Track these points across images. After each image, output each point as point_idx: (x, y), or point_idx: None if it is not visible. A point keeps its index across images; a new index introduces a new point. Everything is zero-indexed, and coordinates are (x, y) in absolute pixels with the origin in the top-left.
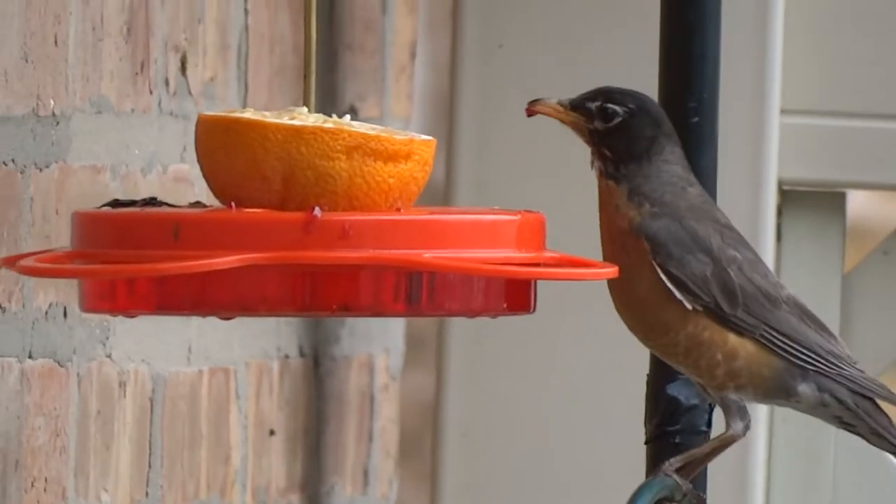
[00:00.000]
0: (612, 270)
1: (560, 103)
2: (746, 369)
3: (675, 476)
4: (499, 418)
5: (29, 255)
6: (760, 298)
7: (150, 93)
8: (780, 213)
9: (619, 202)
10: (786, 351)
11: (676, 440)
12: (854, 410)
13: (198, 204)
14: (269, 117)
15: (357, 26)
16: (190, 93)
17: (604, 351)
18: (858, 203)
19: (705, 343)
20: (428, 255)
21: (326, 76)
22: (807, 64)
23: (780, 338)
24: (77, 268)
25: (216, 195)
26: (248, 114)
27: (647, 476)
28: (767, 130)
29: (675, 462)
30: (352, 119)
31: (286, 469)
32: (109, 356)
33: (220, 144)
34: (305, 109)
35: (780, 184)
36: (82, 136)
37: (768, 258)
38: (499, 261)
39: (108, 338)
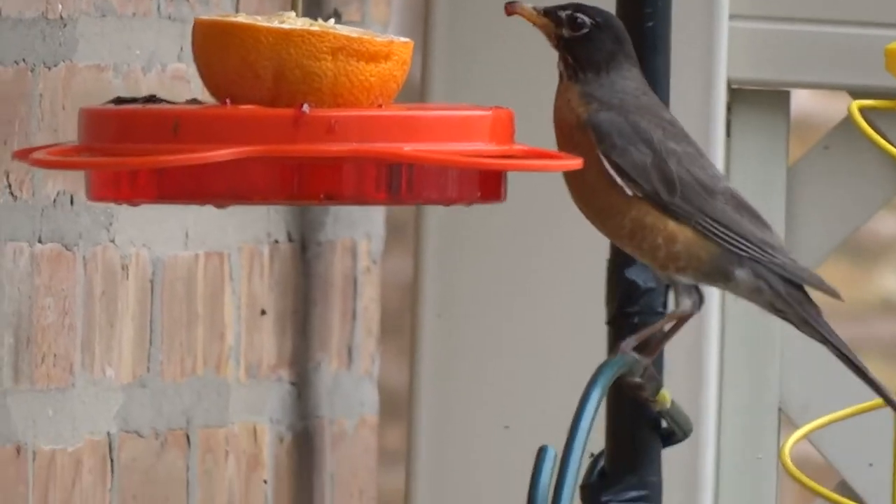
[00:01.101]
0: (576, 162)
1: (535, 8)
2: (685, 252)
3: (633, 353)
4: (472, 299)
5: (40, 148)
6: (697, 188)
7: None
8: (729, 110)
9: (571, 98)
10: (720, 237)
11: (635, 321)
12: (785, 298)
13: (194, 101)
14: (261, 21)
15: None
16: None
17: (567, 237)
18: (802, 101)
19: (647, 227)
20: (408, 147)
21: None
22: None
23: (715, 225)
24: (85, 160)
25: (211, 93)
26: (241, 18)
27: (608, 355)
28: (717, 34)
29: (631, 341)
30: (336, 23)
31: (276, 346)
32: (113, 241)
33: (216, 46)
34: (293, 14)
35: (730, 83)
36: (88, 38)
37: (718, 152)
38: (473, 153)
39: (111, 224)
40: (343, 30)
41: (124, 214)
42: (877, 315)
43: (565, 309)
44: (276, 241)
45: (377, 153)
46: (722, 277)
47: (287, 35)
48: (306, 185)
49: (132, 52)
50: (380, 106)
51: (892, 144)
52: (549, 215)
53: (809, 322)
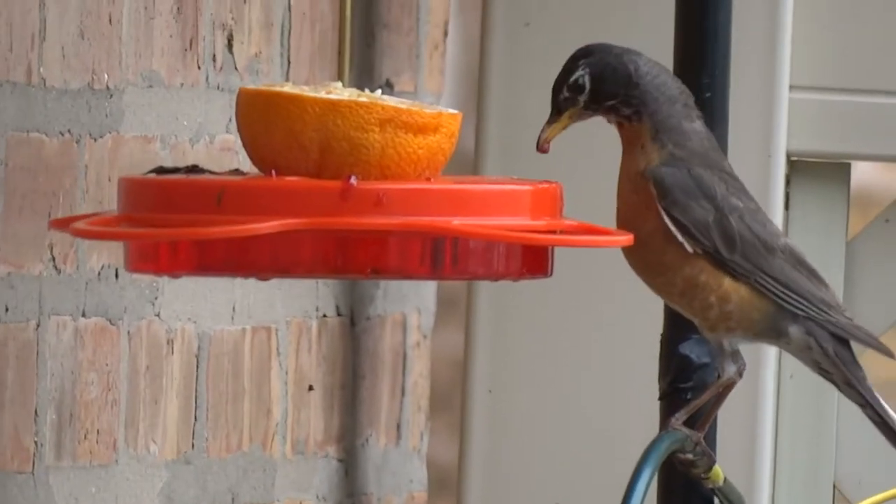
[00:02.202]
0: (626, 238)
1: (548, 123)
2: (737, 312)
3: (684, 428)
4: (523, 375)
5: (80, 217)
6: (757, 245)
7: (199, 68)
8: (788, 182)
9: (644, 142)
10: (777, 296)
11: (688, 396)
12: (832, 358)
13: (237, 171)
14: (307, 91)
15: (393, 6)
16: (236, 68)
17: (621, 312)
18: (862, 173)
19: (700, 286)
20: (456, 221)
21: (364, 53)
22: (815, 42)
23: (773, 283)
24: (127, 231)
25: (255, 164)
26: (287, 88)
27: (659, 431)
28: (777, 105)
29: (680, 416)
30: (385, 94)
31: (324, 422)
32: (158, 315)
33: (260, 116)
34: (340, 84)
35: (789, 155)
36: (134, 108)
37: (777, 225)
38: (520, 228)
39: (156, 298)
40: (391, 101)
41: (170, 288)
42: None
43: (617, 384)
44: (325, 316)
45: (425, 227)
46: (774, 335)
47: (334, 106)
48: (350, 258)
49: (179, 123)
50: (428, 179)
51: None
52: (601, 289)
53: (853, 384)
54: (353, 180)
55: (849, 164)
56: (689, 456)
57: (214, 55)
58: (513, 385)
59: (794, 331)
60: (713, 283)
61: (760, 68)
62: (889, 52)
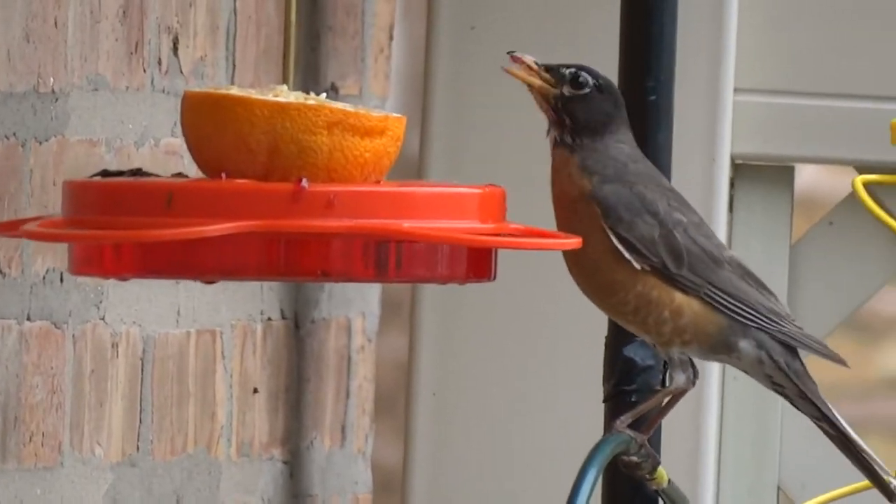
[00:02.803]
0: (575, 241)
1: (535, 62)
2: (692, 326)
3: (629, 431)
4: (467, 378)
5: (29, 220)
6: (704, 259)
7: (144, 71)
8: (732, 185)
9: (571, 171)
10: (728, 308)
11: (633, 399)
12: (784, 370)
13: (180, 175)
14: (254, 94)
15: (339, 10)
16: (181, 71)
17: (565, 315)
18: (807, 177)
19: (653, 302)
20: (407, 224)
21: (309, 57)
22: (759, 45)
23: (723, 296)
24: (85, 233)
25: (201, 167)
26: (235, 91)
27: (604, 433)
28: (722, 108)
29: (626, 418)
30: (330, 97)
31: (269, 425)
32: (103, 319)
33: (208, 119)
34: (286, 87)
35: (734, 158)
36: (80, 112)
37: (721, 228)
38: (469, 231)
39: (101, 301)
40: (337, 104)
41: (114, 292)
42: (881, 393)
43: (561, 387)
44: (270, 319)
45: (377, 230)
46: (726, 350)
47: (283, 108)
48: (297, 261)
49: (125, 127)
50: (377, 182)
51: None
52: (545, 293)
53: (807, 396)
54: (304, 183)
55: (793, 168)
56: (634, 458)
57: (160, 59)
58: (457, 388)
59: (745, 345)
60: (666, 298)
61: (705, 71)
62: (833, 55)
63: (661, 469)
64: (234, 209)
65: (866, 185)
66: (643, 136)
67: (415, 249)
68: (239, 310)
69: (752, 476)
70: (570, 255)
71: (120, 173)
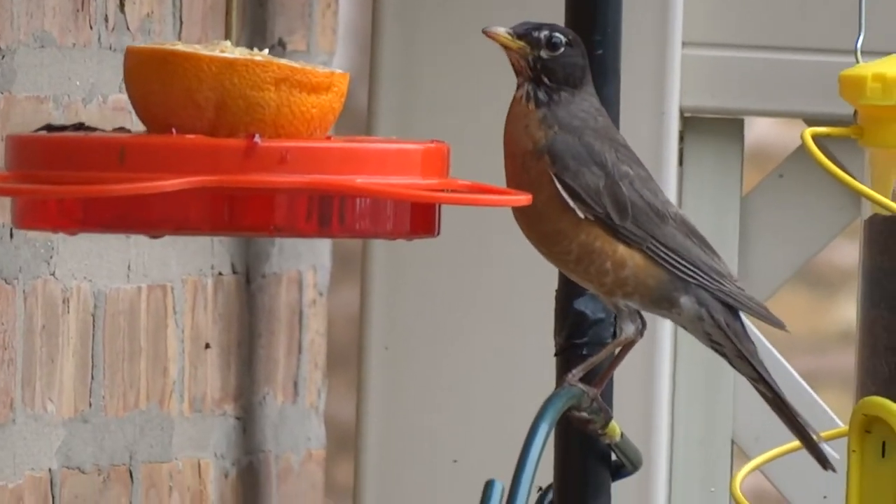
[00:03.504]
0: (524, 198)
1: (508, 32)
2: (633, 278)
3: (580, 385)
4: (419, 332)
5: None
6: (649, 213)
7: (91, 28)
8: (682, 139)
9: (529, 123)
10: (670, 263)
11: (584, 352)
12: (724, 329)
13: (122, 129)
14: (201, 50)
15: None
16: (128, 28)
17: (515, 268)
18: (757, 129)
19: (596, 251)
20: (360, 179)
21: (256, 12)
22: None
23: (665, 251)
24: (38, 188)
25: (145, 123)
26: (181, 46)
27: (556, 386)
28: (670, 61)
29: (577, 372)
30: (277, 53)
31: (221, 380)
32: (53, 274)
33: (154, 75)
34: (229, 43)
35: (682, 111)
36: (26, 69)
37: (671, 182)
38: (420, 187)
39: (51, 257)
40: (283, 61)
41: (65, 247)
42: (836, 345)
43: (513, 341)
44: (220, 274)
45: (331, 185)
46: (667, 304)
47: (231, 64)
48: (239, 216)
49: (72, 84)
50: (328, 138)
51: (846, 172)
52: (496, 247)
53: (745, 356)
54: (256, 138)
55: (742, 121)
56: (585, 413)
57: (106, 16)
58: (409, 342)
59: (686, 301)
60: (608, 249)
61: (653, 24)
62: (781, 8)
63: (613, 423)
64: (187, 164)
65: (816, 138)
66: None
67: (359, 205)
68: (189, 265)
69: (705, 430)
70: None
71: (63, 128)
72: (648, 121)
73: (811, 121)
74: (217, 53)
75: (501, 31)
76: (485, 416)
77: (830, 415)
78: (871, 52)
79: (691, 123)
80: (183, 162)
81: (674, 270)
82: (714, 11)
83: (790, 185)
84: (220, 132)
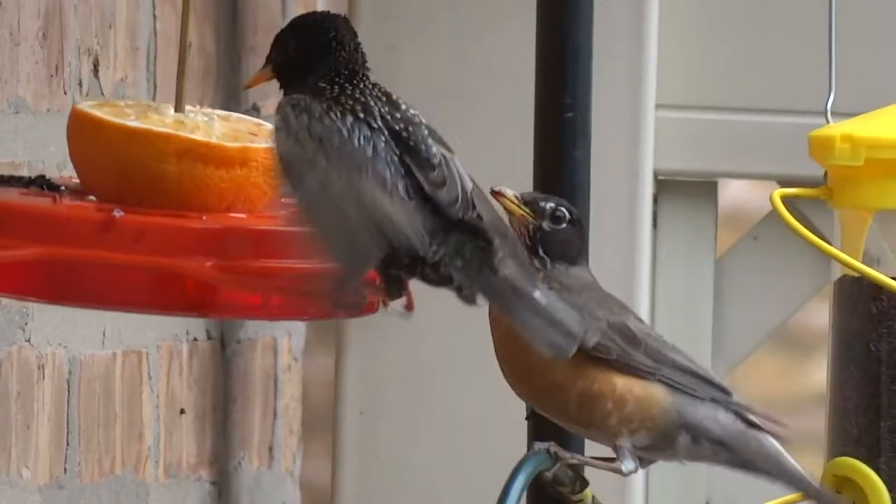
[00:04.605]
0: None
1: (515, 196)
2: (638, 412)
3: (554, 446)
4: (394, 397)
5: None
6: (654, 343)
7: (65, 94)
8: (656, 201)
9: None
10: (682, 385)
11: None
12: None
13: (41, 176)
14: (108, 116)
15: (259, 30)
16: (102, 93)
17: (486, 336)
18: (731, 192)
19: (595, 395)
20: (209, 263)
21: (230, 77)
22: (680, 62)
23: (677, 374)
24: None
25: (82, 183)
26: (105, 111)
27: (528, 449)
28: (643, 124)
29: (563, 453)
30: (254, 117)
31: (196, 445)
32: (28, 340)
33: (76, 137)
34: (171, 108)
35: (656, 174)
36: (1, 135)
37: (645, 244)
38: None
39: (26, 323)
40: (220, 125)
41: (40, 313)
42: (810, 407)
43: (486, 406)
44: (196, 339)
45: (176, 266)
46: (673, 435)
47: (131, 134)
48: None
49: (47, 149)
50: (231, 213)
51: (820, 234)
52: (469, 313)
53: (752, 459)
54: (116, 212)
55: (716, 183)
56: (558, 476)
57: (80, 80)
58: (384, 407)
59: (689, 430)
60: (607, 389)
61: (626, 87)
62: (752, 71)
63: (587, 489)
64: (48, 234)
65: (790, 199)
66: (559, 153)
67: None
68: (165, 330)
69: (681, 493)
70: (505, 360)
71: (18, 179)
72: (622, 183)
73: (785, 182)
74: (122, 121)
75: (510, 193)
76: (459, 480)
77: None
78: (842, 113)
79: (665, 186)
80: (43, 231)
81: (686, 390)
82: (687, 74)
83: (764, 248)
84: (127, 199)
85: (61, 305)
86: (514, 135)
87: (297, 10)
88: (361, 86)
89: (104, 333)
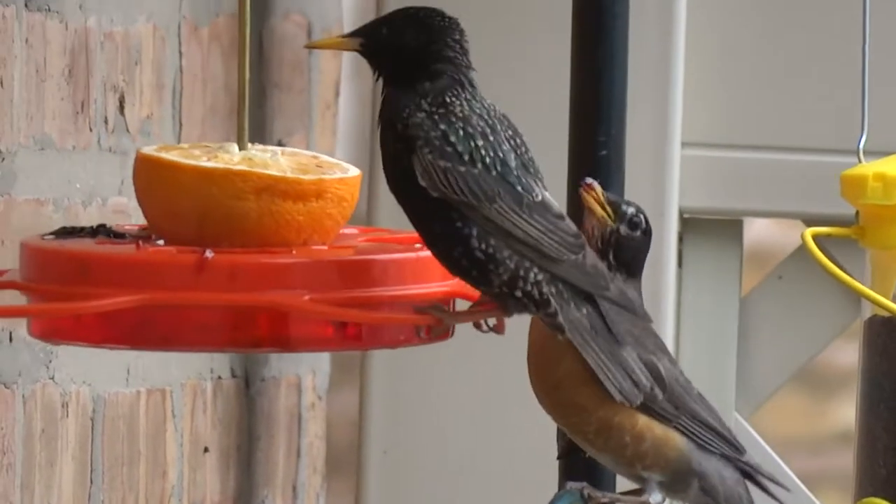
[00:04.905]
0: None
1: (604, 193)
2: (653, 451)
3: (586, 485)
4: (419, 435)
5: None
6: (680, 390)
7: (90, 130)
8: (681, 239)
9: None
10: (696, 435)
11: (586, 455)
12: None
13: (101, 226)
14: (184, 160)
15: (285, 66)
16: (127, 130)
17: (516, 371)
18: (756, 230)
19: (615, 426)
20: (308, 297)
21: (256, 113)
22: (705, 101)
23: (694, 424)
24: None
25: (149, 227)
26: (173, 154)
27: (559, 489)
28: (669, 162)
29: (595, 493)
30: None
31: (220, 484)
32: (52, 378)
33: (147, 182)
34: (235, 146)
35: (682, 212)
36: (27, 172)
37: (670, 283)
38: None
39: (51, 361)
40: (284, 160)
41: (64, 351)
42: (835, 446)
43: (514, 445)
44: (220, 378)
45: (274, 302)
46: (685, 481)
47: (209, 174)
48: (245, 330)
49: (72, 186)
50: (311, 246)
51: (846, 272)
52: (496, 350)
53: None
54: (207, 253)
55: (741, 221)
56: None
57: (106, 117)
58: (408, 445)
59: (702, 475)
60: (627, 423)
61: (652, 125)
62: (779, 108)
63: None
64: (143, 280)
65: (816, 238)
66: None
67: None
68: (189, 368)
69: None
70: (537, 376)
71: (81, 230)
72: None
73: (810, 221)
74: (199, 163)
75: (598, 190)
76: None
77: None
78: (872, 153)
79: (690, 224)
80: (138, 277)
81: (700, 441)
82: (713, 112)
83: (789, 286)
84: (205, 240)
85: (143, 350)
86: (549, 171)
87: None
88: (486, 102)
89: (128, 371)
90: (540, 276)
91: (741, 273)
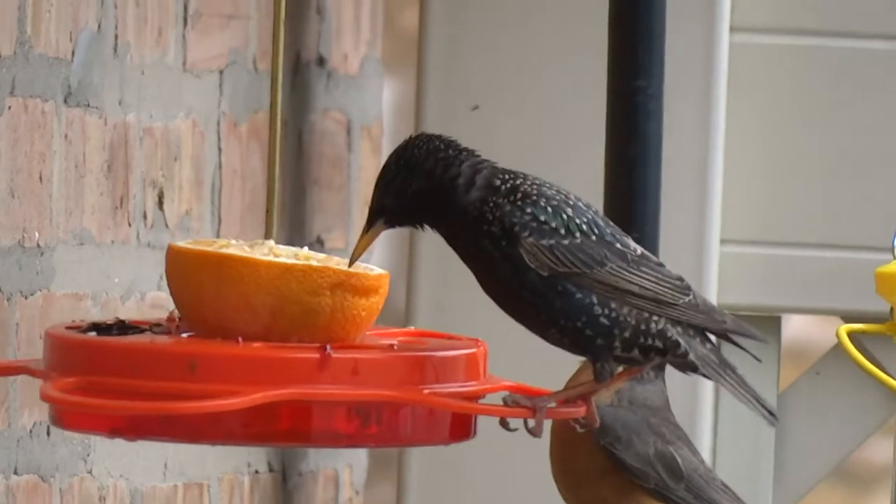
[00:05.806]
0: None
1: None
2: None
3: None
4: None
5: (19, 367)
6: (700, 480)
7: (129, 225)
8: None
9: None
10: None
11: None
12: None
13: (157, 325)
14: (252, 253)
15: (324, 163)
16: (166, 225)
17: (548, 470)
18: (794, 326)
19: None
20: (426, 390)
21: (295, 210)
22: (744, 197)
23: None
24: (116, 404)
25: (189, 322)
26: (232, 249)
27: None
28: (708, 258)
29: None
30: (315, 250)
31: None
32: (90, 472)
33: (207, 277)
34: (272, 242)
35: (720, 308)
36: (65, 266)
37: (708, 381)
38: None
39: (88, 455)
40: (332, 261)
41: (101, 445)
42: None
43: None
44: (257, 472)
45: (404, 397)
46: None
47: (289, 270)
48: (303, 427)
49: (110, 281)
50: (392, 346)
51: (883, 369)
52: (530, 450)
53: None
54: (328, 350)
55: (779, 318)
56: None
57: (145, 213)
58: None
59: None
60: None
61: (691, 222)
62: (817, 206)
63: None
64: (259, 376)
65: (852, 335)
66: None
67: (410, 414)
68: (226, 462)
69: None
70: (557, 465)
71: (108, 326)
72: None
73: (849, 318)
74: (271, 258)
75: None
76: None
77: None
78: None
79: None
80: (253, 374)
81: None
82: (751, 209)
83: (827, 383)
84: (273, 336)
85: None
86: None
87: (363, 145)
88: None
89: (166, 465)
90: (661, 324)
91: (779, 369)
